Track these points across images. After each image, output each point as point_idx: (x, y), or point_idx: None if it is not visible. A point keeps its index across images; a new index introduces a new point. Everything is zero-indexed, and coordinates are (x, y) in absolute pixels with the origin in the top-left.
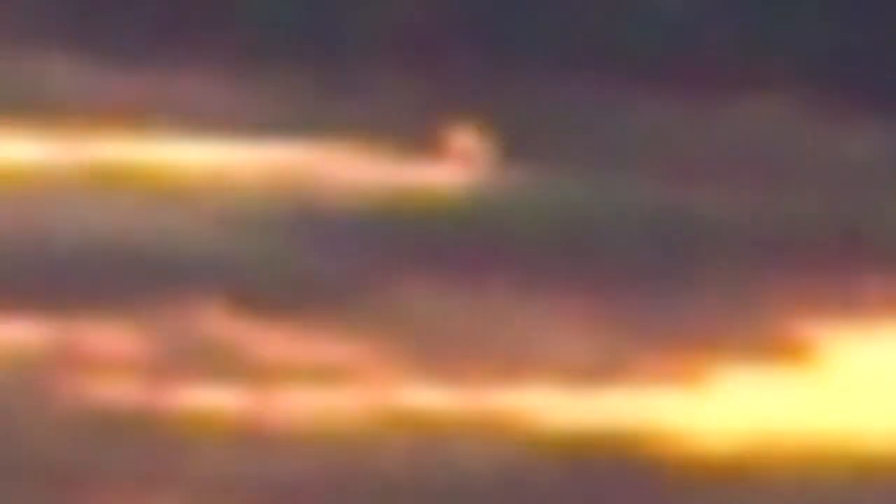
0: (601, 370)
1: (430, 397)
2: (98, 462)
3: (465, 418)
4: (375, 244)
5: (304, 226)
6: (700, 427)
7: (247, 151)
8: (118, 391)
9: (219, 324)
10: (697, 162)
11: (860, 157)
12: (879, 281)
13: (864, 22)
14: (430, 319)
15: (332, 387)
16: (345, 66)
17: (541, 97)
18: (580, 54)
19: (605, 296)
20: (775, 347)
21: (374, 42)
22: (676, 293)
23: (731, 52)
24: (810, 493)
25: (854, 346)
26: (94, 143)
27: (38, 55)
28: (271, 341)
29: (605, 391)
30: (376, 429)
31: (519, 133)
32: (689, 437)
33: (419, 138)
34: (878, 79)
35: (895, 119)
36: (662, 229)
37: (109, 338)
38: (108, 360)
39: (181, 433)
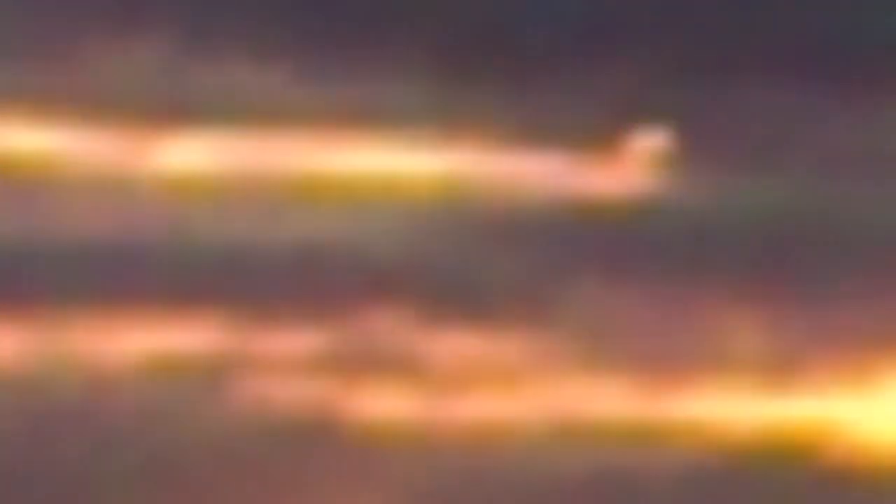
0: (777, 372)
1: (607, 403)
2: (280, 465)
3: (643, 424)
4: (556, 249)
5: (483, 233)
6: (877, 428)
7: (425, 160)
8: (302, 396)
9: (397, 331)
10: (870, 162)
11: None
12: None
13: None
14: (610, 324)
15: (512, 393)
16: (523, 69)
17: (722, 100)
18: (760, 56)
19: (780, 297)
20: None
21: (553, 43)
22: (851, 293)
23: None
24: None
25: None
26: (270, 152)
27: (213, 61)
28: (452, 347)
29: (783, 393)
30: (555, 435)
31: (698, 136)
32: (866, 439)
33: (599, 142)
34: None
35: None
36: (837, 231)
37: (295, 343)
38: (293, 365)
39: (365, 439)
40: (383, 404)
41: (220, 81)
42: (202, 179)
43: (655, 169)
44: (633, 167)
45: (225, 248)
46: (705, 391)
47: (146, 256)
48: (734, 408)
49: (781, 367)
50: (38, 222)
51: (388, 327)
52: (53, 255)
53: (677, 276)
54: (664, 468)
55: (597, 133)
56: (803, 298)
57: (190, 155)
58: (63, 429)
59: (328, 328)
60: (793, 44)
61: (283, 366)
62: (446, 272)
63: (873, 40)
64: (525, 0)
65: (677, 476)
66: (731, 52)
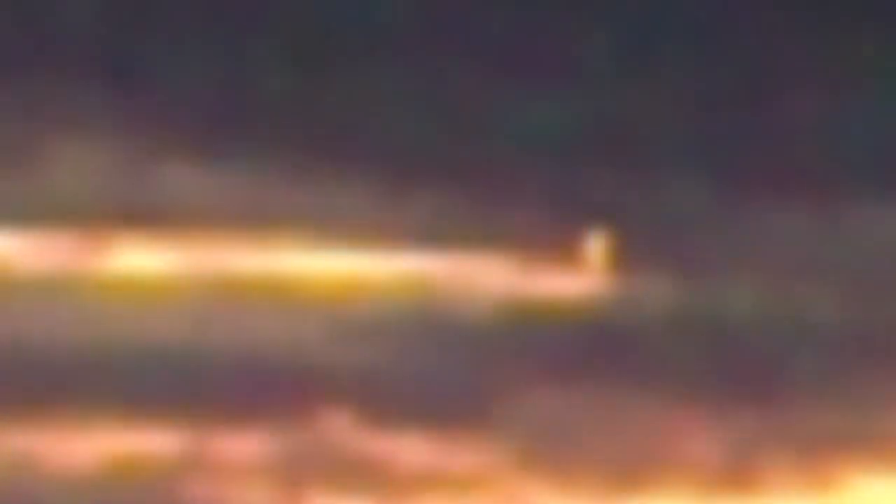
0: (729, 474)
1: None
2: None
3: None
4: (507, 350)
5: (435, 335)
6: None
7: (377, 261)
8: (255, 499)
9: (349, 434)
10: (821, 264)
11: None
12: None
13: None
14: (559, 428)
15: (465, 497)
16: (473, 171)
17: (669, 204)
18: (707, 162)
19: (733, 400)
20: None
21: (504, 153)
22: (806, 396)
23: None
24: None
25: None
26: (222, 253)
27: (165, 164)
28: (401, 451)
29: (735, 495)
30: None
31: (646, 240)
32: None
33: (549, 243)
34: None
35: None
36: (791, 333)
37: (240, 448)
38: (238, 471)
39: None
40: None
41: (168, 184)
42: (154, 281)
43: (605, 270)
44: (583, 269)
45: (176, 350)
46: (658, 494)
47: (98, 358)
48: None
49: (733, 469)
50: None
51: (340, 431)
52: (5, 358)
53: (628, 378)
54: None
55: (547, 235)
56: (755, 399)
57: (141, 257)
58: None
59: (281, 431)
60: (742, 148)
61: (236, 469)
62: (398, 374)
63: (824, 148)
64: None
65: None
66: (679, 155)
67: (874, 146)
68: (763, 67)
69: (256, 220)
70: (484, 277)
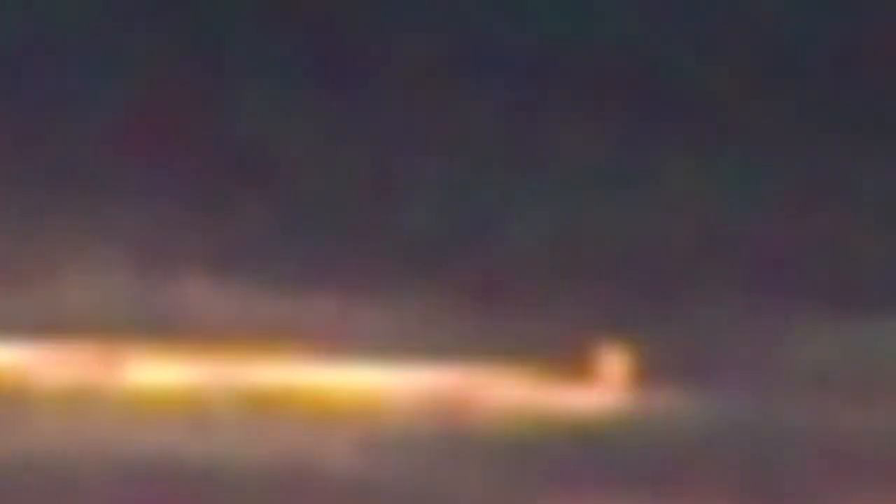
0: None
1: None
2: None
3: None
4: (524, 465)
5: (451, 449)
6: None
7: (396, 375)
8: None
9: None
10: (848, 381)
11: None
12: None
13: None
14: None
15: None
16: (486, 288)
17: (686, 319)
18: (726, 277)
19: None
20: None
21: (519, 266)
22: None
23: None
24: None
25: None
26: (239, 368)
27: (181, 277)
28: None
29: None
30: None
31: (663, 355)
32: None
33: (566, 361)
34: None
35: None
36: (813, 450)
37: None
38: None
39: None
40: None
41: (185, 297)
42: (171, 395)
43: (623, 385)
44: (601, 384)
45: (195, 464)
46: None
47: (115, 472)
48: None
49: None
50: (5, 437)
51: None
52: (21, 470)
53: (645, 493)
54: None
55: (566, 350)
56: None
57: (158, 371)
58: None
59: None
60: (756, 261)
61: None
62: (416, 488)
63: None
64: (493, 214)
65: None
66: (695, 268)
67: (890, 258)
68: (775, 176)
69: (273, 332)
70: (503, 391)
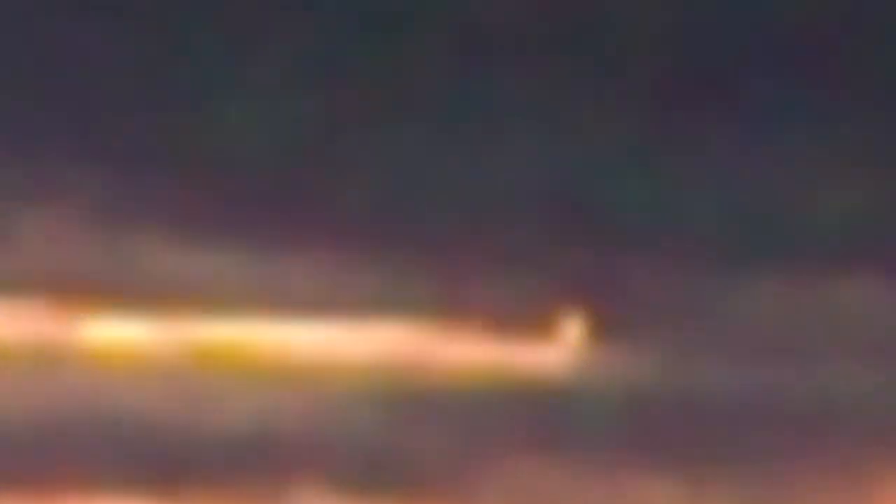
0: None
1: None
2: None
3: None
4: (485, 424)
5: (407, 405)
6: None
7: (353, 333)
8: None
9: None
10: (800, 341)
11: None
12: None
13: None
14: (535, 499)
15: None
16: (445, 248)
17: (643, 283)
18: (683, 241)
19: (701, 471)
20: None
21: (482, 225)
22: (786, 475)
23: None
24: None
25: None
26: (195, 324)
27: (137, 233)
28: None
29: None
30: None
31: (619, 318)
32: None
33: (522, 321)
34: None
35: None
36: (764, 410)
37: None
38: None
39: None
40: None
41: (140, 254)
42: (126, 352)
43: (580, 344)
44: (560, 345)
45: (149, 423)
46: None
47: (69, 430)
48: None
49: None
50: None
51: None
52: None
53: (600, 450)
54: None
55: (527, 312)
56: (726, 474)
57: (113, 328)
58: None
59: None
60: (721, 223)
61: None
62: (377, 447)
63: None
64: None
65: None
66: (650, 231)
67: (844, 223)
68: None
69: (233, 289)
70: (461, 349)
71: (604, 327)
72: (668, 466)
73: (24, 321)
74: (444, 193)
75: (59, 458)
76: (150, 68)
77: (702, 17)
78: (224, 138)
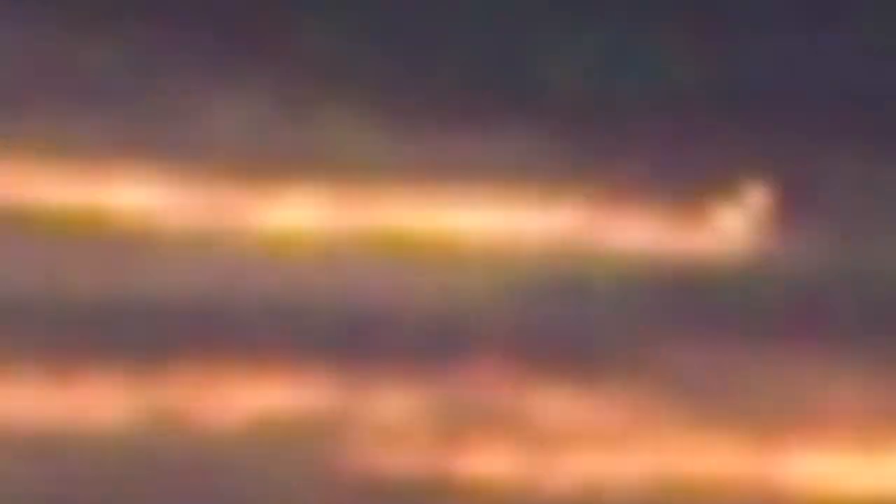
0: (877, 430)
1: (709, 462)
2: None
3: (747, 482)
4: (658, 308)
5: (583, 290)
6: None
7: (529, 218)
8: (402, 458)
9: (501, 388)
10: None
11: None
12: None
13: None
14: (711, 383)
15: (616, 451)
16: (622, 130)
17: (823, 162)
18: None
19: (880, 358)
20: None
21: (651, 107)
22: None
23: None
24: None
25: None
26: (378, 208)
27: (326, 113)
28: (552, 406)
29: (883, 451)
30: (660, 492)
31: (802, 195)
32: None
33: (702, 197)
34: None
35: None
36: None
37: (402, 402)
38: (393, 425)
39: (471, 498)
40: (488, 462)
41: (318, 138)
42: (305, 236)
43: (757, 226)
44: (735, 225)
45: (332, 305)
46: (807, 450)
47: (248, 312)
48: (837, 469)
49: (880, 426)
50: (139, 278)
51: (492, 385)
52: (155, 311)
53: (777, 337)
54: None
55: (701, 188)
56: None
57: (292, 211)
58: (167, 487)
59: (435, 386)
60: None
61: (388, 426)
62: (549, 330)
63: None
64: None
65: None
66: (841, 120)
67: None
68: None
69: (412, 175)
70: (634, 235)
71: (783, 207)
72: (843, 351)
73: (197, 200)
74: (622, 78)
75: (231, 334)
76: None
77: None
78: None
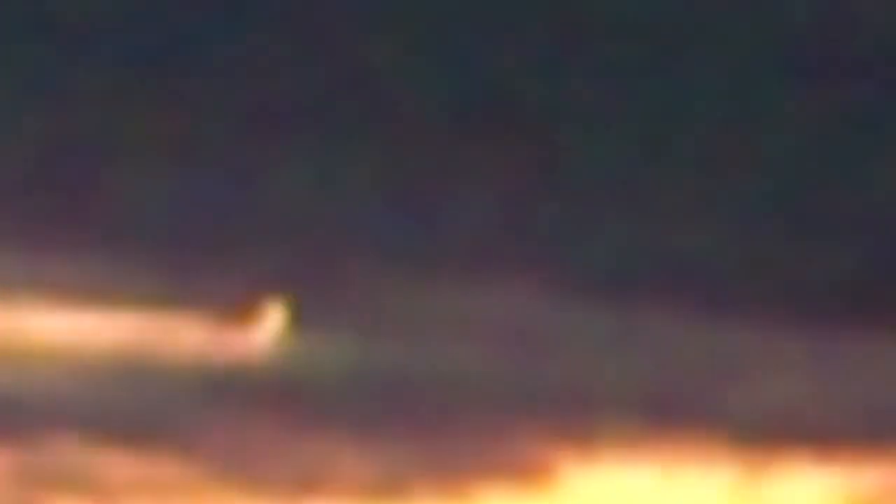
0: (382, 494)
1: None
2: None
3: None
4: (206, 392)
5: (143, 377)
6: None
7: (86, 322)
8: None
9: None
10: (448, 327)
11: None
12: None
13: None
14: (243, 451)
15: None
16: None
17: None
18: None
19: (386, 432)
20: (525, 471)
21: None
22: (447, 428)
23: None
24: None
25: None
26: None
27: None
28: (115, 464)
29: None
30: None
31: (319, 308)
32: None
33: (235, 311)
34: None
35: None
36: (429, 380)
37: None
38: None
39: None
40: None
41: None
42: None
43: (282, 333)
44: (261, 333)
45: None
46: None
47: None
48: None
49: (386, 490)
50: None
51: (67, 452)
52: None
53: (297, 415)
54: None
55: (236, 301)
56: (404, 433)
57: None
58: None
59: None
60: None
61: None
62: (112, 406)
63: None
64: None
65: None
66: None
67: None
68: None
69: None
70: (182, 335)
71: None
72: (353, 426)
73: None
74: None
75: None
76: None
77: None
78: None
